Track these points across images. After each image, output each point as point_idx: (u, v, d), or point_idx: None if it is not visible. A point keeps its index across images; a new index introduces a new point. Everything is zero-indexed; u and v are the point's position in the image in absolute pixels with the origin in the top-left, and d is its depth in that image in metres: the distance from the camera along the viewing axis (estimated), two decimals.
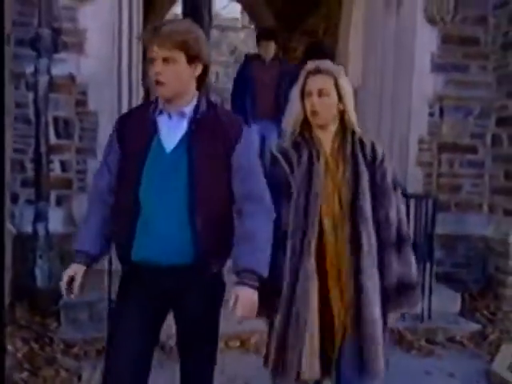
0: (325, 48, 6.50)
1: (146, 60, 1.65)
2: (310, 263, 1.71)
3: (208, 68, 1.67)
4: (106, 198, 1.70)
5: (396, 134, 3.89)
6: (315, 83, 1.76)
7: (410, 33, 3.87)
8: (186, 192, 1.58)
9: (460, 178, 3.92)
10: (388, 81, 3.94)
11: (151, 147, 1.61)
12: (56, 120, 3.48)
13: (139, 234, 1.61)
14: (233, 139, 1.64)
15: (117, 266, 3.12)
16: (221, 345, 3.33)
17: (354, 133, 1.81)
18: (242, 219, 1.64)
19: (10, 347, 2.73)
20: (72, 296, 1.69)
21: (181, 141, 1.62)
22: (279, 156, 1.80)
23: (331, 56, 6.38)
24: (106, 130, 3.60)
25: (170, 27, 1.60)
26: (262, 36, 4.84)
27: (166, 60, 1.59)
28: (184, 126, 1.63)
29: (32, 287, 3.35)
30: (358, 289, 1.72)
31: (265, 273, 1.63)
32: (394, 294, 1.78)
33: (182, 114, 1.64)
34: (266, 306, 1.71)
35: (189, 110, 1.64)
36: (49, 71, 3.41)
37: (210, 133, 1.62)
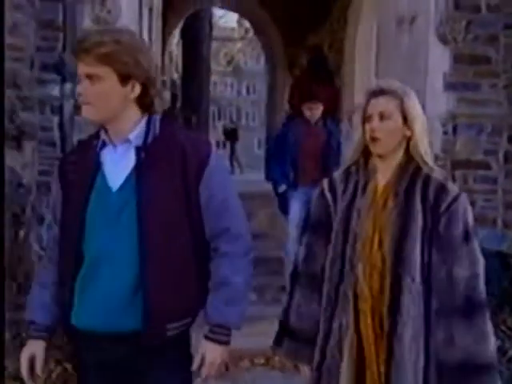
0: (326, 61, 6.64)
1: None
2: (344, 317, 1.48)
3: (150, 86, 1.37)
4: (52, 255, 1.47)
5: None
6: (376, 105, 1.55)
7: (423, 52, 3.97)
8: (135, 240, 1.31)
9: (474, 194, 4.00)
10: None
11: (94, 187, 1.37)
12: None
13: (79, 293, 1.37)
14: (197, 166, 1.36)
15: None
16: (246, 363, 3.40)
17: (419, 167, 1.54)
18: (216, 261, 1.41)
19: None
20: (38, 378, 1.44)
21: (129, 175, 1.36)
22: (325, 186, 1.62)
23: (332, 69, 6.52)
24: None
25: (95, 37, 1.34)
26: (309, 98, 4.32)
27: (90, 77, 1.33)
28: (132, 156, 1.37)
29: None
30: (390, 361, 1.43)
31: (238, 325, 1.44)
32: (457, 374, 1.43)
33: (127, 143, 1.38)
34: (303, 355, 1.57)
35: (135, 136, 1.38)
36: (73, 95, 3.49)
37: (166, 162, 1.35)
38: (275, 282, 4.25)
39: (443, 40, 3.87)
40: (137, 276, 1.33)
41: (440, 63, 3.92)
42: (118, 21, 3.64)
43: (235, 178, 11.12)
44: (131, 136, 1.38)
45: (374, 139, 1.55)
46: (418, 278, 1.45)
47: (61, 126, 3.47)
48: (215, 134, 22.86)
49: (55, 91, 3.48)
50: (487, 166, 4.00)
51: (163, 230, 1.34)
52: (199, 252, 1.40)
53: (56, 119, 3.48)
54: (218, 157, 1.47)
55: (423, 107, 3.95)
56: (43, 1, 3.49)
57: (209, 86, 13.28)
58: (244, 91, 35.63)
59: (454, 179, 3.96)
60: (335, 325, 1.50)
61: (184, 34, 11.19)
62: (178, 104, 11.94)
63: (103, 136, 1.41)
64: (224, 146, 32.85)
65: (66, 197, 1.43)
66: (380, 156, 1.56)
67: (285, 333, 1.62)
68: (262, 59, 32.32)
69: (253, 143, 33.36)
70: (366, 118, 1.57)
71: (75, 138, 3.54)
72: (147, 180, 1.34)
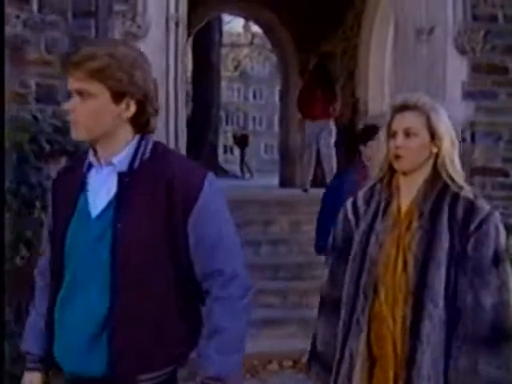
0: (329, 67, 6.88)
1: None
2: (355, 345, 1.40)
3: (148, 104, 1.21)
4: (46, 279, 1.32)
5: None
6: (402, 121, 1.45)
7: (441, 62, 4.08)
8: (107, 272, 1.17)
9: (492, 200, 4.10)
10: None
11: (77, 210, 1.24)
12: None
13: (56, 322, 1.23)
14: (184, 202, 1.19)
15: None
16: (275, 365, 3.50)
17: (447, 185, 1.43)
18: (209, 305, 1.23)
19: None
20: None
21: (110, 203, 1.21)
22: (348, 208, 1.52)
23: (333, 75, 6.74)
24: None
25: (86, 50, 1.18)
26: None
27: (80, 94, 1.18)
28: (115, 182, 1.22)
29: None
30: None
31: (233, 378, 1.22)
32: None
33: (112, 166, 1.23)
34: (328, 381, 1.49)
35: (120, 159, 1.21)
36: None
37: (150, 193, 1.19)
38: (297, 286, 4.35)
39: (461, 50, 3.98)
40: (105, 312, 1.16)
41: (458, 73, 4.03)
42: (147, 35, 3.78)
43: (246, 183, 11.21)
44: (115, 159, 1.21)
45: (397, 157, 1.44)
46: (441, 304, 1.35)
47: None
48: (223, 139, 23.02)
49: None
50: (505, 174, 4.10)
51: (139, 266, 1.18)
52: (186, 292, 1.22)
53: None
54: (212, 191, 1.24)
55: None
56: (76, 17, 3.62)
57: (219, 92, 13.44)
58: (251, 96, 35.88)
59: (472, 186, 4.07)
60: (347, 353, 1.42)
61: (194, 41, 11.36)
62: (189, 111, 12.08)
63: (91, 157, 1.24)
64: (232, 151, 33.12)
65: (54, 215, 1.30)
66: (405, 173, 1.46)
67: (313, 357, 1.56)
68: (268, 64, 32.56)
69: (260, 148, 33.53)
70: (390, 134, 1.47)
71: None
72: (127, 211, 1.18)
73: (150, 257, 1.19)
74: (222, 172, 11.88)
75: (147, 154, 1.23)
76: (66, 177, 1.32)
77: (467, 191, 1.44)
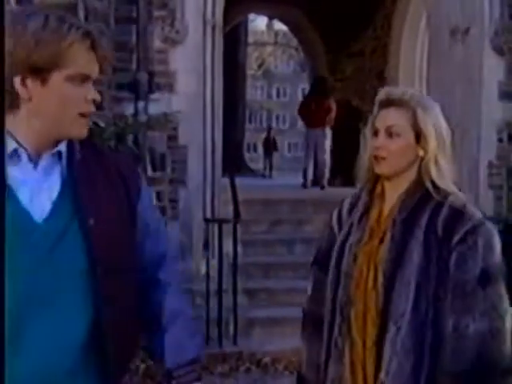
0: (326, 83, 7.23)
1: None
2: (336, 371, 1.25)
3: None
4: None
5: (466, 159, 4.08)
6: (384, 119, 1.25)
7: (477, 62, 4.07)
8: (83, 279, 1.00)
9: None
10: (456, 109, 4.13)
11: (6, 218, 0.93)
12: (152, 155, 3.81)
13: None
14: (136, 184, 1.12)
15: (214, 286, 3.43)
16: None
17: (430, 192, 1.22)
18: (160, 293, 1.14)
19: (130, 364, 3.02)
20: None
21: (57, 202, 1.00)
22: (334, 216, 1.35)
23: (329, 91, 6.99)
24: (194, 161, 3.93)
25: None
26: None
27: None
28: (57, 176, 1.02)
29: None
30: None
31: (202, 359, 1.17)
32: None
33: (53, 157, 1.02)
34: None
35: (62, 149, 1.03)
36: (146, 111, 3.75)
37: (103, 182, 1.06)
38: None
39: (498, 50, 3.96)
40: (89, 326, 1.01)
41: (494, 73, 4.01)
42: (185, 40, 3.88)
43: (273, 182, 11.27)
44: (60, 148, 1.02)
45: (377, 158, 1.25)
46: (405, 329, 1.14)
47: (136, 140, 3.71)
48: (247, 137, 23.08)
49: (130, 109, 3.73)
50: None
51: (119, 264, 1.05)
52: (142, 286, 1.13)
53: (131, 135, 3.73)
54: (144, 180, 1.19)
55: (479, 115, 4.11)
56: (118, 23, 3.75)
57: (245, 91, 13.52)
58: (274, 94, 35.94)
59: (509, 186, 4.05)
60: (328, 381, 1.26)
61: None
62: None
63: (13, 149, 0.98)
64: (255, 149, 33.24)
65: None
66: (388, 178, 1.27)
67: (299, 382, 1.39)
68: (292, 62, 32.52)
69: (283, 146, 33.54)
70: (373, 133, 1.27)
71: (147, 150, 3.83)
72: (90, 204, 1.02)
73: (122, 252, 1.06)
74: (247, 171, 11.96)
75: (77, 145, 1.06)
76: None
77: (456, 199, 1.20)
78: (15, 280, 0.89)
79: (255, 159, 24.27)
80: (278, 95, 36.37)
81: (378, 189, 1.28)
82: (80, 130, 1.01)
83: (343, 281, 1.25)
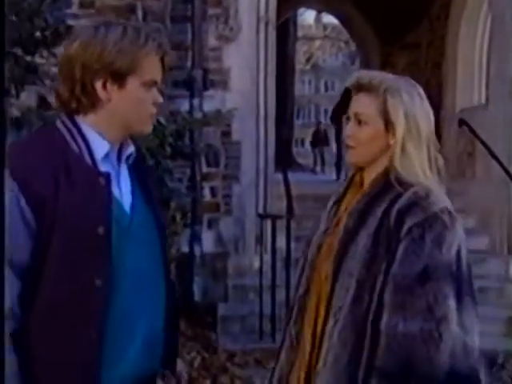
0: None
1: None
2: (285, 351, 1.22)
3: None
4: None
5: None
6: (353, 105, 1.19)
7: None
8: (160, 272, 1.15)
9: None
10: None
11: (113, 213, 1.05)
12: (207, 151, 3.88)
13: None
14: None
15: (267, 281, 3.47)
16: None
17: (390, 181, 1.14)
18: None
19: (187, 356, 3.11)
20: None
21: (135, 195, 1.12)
22: (329, 206, 1.26)
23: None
24: (247, 157, 3.97)
25: None
26: None
27: None
28: (125, 170, 1.13)
29: (190, 302, 3.74)
30: None
31: None
32: None
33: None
34: None
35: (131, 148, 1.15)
36: (201, 108, 3.82)
37: (147, 178, 1.19)
38: None
39: None
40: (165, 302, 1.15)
41: None
42: (238, 37, 3.92)
43: (324, 178, 11.16)
44: (131, 149, 1.14)
45: (347, 147, 1.20)
46: (341, 322, 1.09)
47: (191, 136, 3.79)
48: (295, 132, 22.94)
49: (185, 106, 3.81)
50: None
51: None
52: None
53: (187, 134, 3.81)
54: None
55: None
56: (174, 23, 3.84)
57: (293, 86, 13.45)
58: (322, 88, 35.53)
59: None
60: (278, 364, 1.23)
61: None
62: None
63: (105, 147, 1.10)
64: (302, 144, 32.96)
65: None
66: (362, 167, 1.21)
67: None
68: (341, 56, 31.97)
69: (332, 141, 33.06)
70: (347, 119, 1.23)
71: (201, 147, 3.91)
72: (150, 202, 1.16)
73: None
74: (296, 166, 11.92)
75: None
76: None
77: (418, 189, 1.11)
78: (124, 262, 1.05)
79: (303, 154, 24.10)
80: (326, 89, 35.92)
81: (357, 178, 1.23)
82: (148, 127, 1.13)
83: (306, 271, 1.21)
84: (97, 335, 1.01)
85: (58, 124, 1.08)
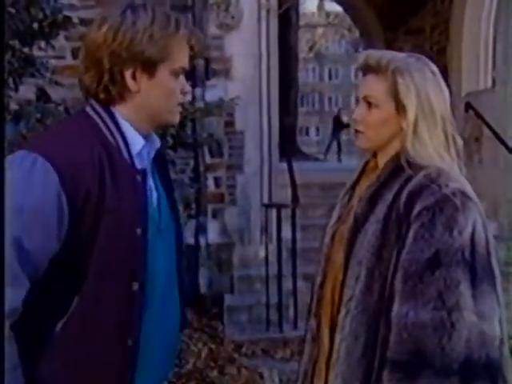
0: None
1: None
2: (308, 344, 1.20)
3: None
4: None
5: None
6: (362, 87, 1.14)
7: None
8: (174, 273, 1.12)
9: None
10: None
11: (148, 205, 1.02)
12: (210, 141, 3.85)
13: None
14: None
15: (273, 271, 3.46)
16: None
17: (401, 165, 1.08)
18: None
19: (194, 348, 3.11)
20: None
21: (156, 187, 1.08)
22: (342, 194, 1.22)
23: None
24: (251, 146, 3.94)
25: None
26: None
27: None
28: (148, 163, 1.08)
29: (196, 293, 3.74)
30: None
31: None
32: None
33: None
34: None
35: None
36: (203, 98, 3.78)
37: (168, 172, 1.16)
38: None
39: None
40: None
41: None
42: (240, 25, 3.87)
43: (330, 166, 11.12)
44: (157, 143, 1.10)
45: (356, 131, 1.14)
46: (351, 313, 1.06)
47: (193, 127, 3.76)
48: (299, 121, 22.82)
49: (187, 95, 3.78)
50: None
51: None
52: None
53: (188, 122, 3.78)
54: None
55: None
56: (174, 12, 3.78)
57: (297, 75, 13.35)
58: (326, 76, 35.28)
59: None
60: (304, 358, 1.21)
61: None
62: None
63: (138, 138, 1.05)
64: (307, 133, 32.79)
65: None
66: (375, 152, 1.16)
67: None
68: (344, 43, 31.64)
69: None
70: (356, 102, 1.17)
71: (204, 137, 3.89)
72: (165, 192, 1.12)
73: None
74: (301, 155, 11.87)
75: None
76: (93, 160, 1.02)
77: (429, 171, 1.05)
78: (156, 261, 1.00)
79: (306, 143, 23.99)
80: (330, 77, 35.67)
81: (371, 164, 1.17)
82: (176, 117, 1.07)
83: (322, 261, 1.17)
84: (133, 343, 0.96)
85: (89, 111, 1.01)
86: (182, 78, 1.04)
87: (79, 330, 0.95)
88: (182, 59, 1.03)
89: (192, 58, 1.06)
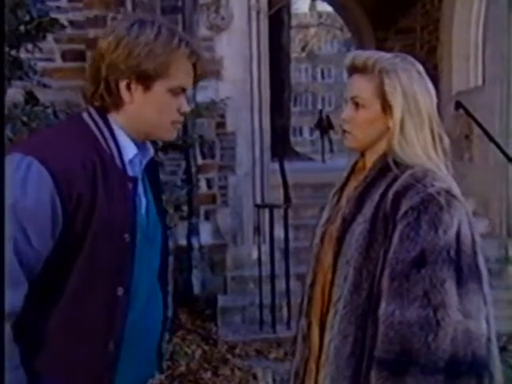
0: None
1: None
2: (299, 345, 1.20)
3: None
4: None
5: None
6: (349, 88, 1.14)
7: None
8: (155, 274, 1.15)
9: None
10: None
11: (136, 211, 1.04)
12: (201, 142, 3.85)
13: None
14: None
15: (266, 271, 3.46)
16: None
17: (388, 165, 1.09)
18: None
19: (187, 350, 3.11)
20: None
21: (146, 194, 1.10)
22: (331, 194, 1.23)
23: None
24: (243, 147, 3.95)
25: None
26: None
27: None
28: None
29: (189, 294, 3.74)
30: None
31: None
32: None
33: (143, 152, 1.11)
34: None
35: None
36: (194, 99, 3.78)
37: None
38: None
39: None
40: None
41: None
42: (230, 26, 3.87)
43: (323, 166, 11.12)
44: (151, 150, 1.12)
45: (344, 132, 1.15)
46: (340, 313, 1.07)
47: (185, 128, 3.76)
48: (292, 121, 22.84)
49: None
50: None
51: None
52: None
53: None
54: None
55: None
56: (164, 13, 3.78)
57: (289, 75, 13.36)
58: (319, 76, 35.37)
59: None
60: (295, 358, 1.22)
61: None
62: None
63: (130, 143, 1.06)
64: (301, 133, 32.89)
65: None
66: (362, 153, 1.17)
67: None
68: (337, 43, 31.77)
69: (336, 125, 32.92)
70: (345, 102, 1.18)
71: (195, 138, 3.89)
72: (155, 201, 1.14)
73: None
74: (294, 155, 11.87)
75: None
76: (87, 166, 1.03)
77: (415, 171, 1.06)
78: (142, 267, 1.02)
79: (300, 143, 24.01)
80: (322, 77, 35.74)
81: (360, 164, 1.18)
82: (171, 134, 1.07)
83: (312, 261, 1.18)
84: (115, 347, 0.98)
85: (85, 117, 1.02)
86: (181, 97, 1.04)
87: (66, 330, 0.97)
88: (181, 78, 1.02)
89: (196, 80, 1.06)
